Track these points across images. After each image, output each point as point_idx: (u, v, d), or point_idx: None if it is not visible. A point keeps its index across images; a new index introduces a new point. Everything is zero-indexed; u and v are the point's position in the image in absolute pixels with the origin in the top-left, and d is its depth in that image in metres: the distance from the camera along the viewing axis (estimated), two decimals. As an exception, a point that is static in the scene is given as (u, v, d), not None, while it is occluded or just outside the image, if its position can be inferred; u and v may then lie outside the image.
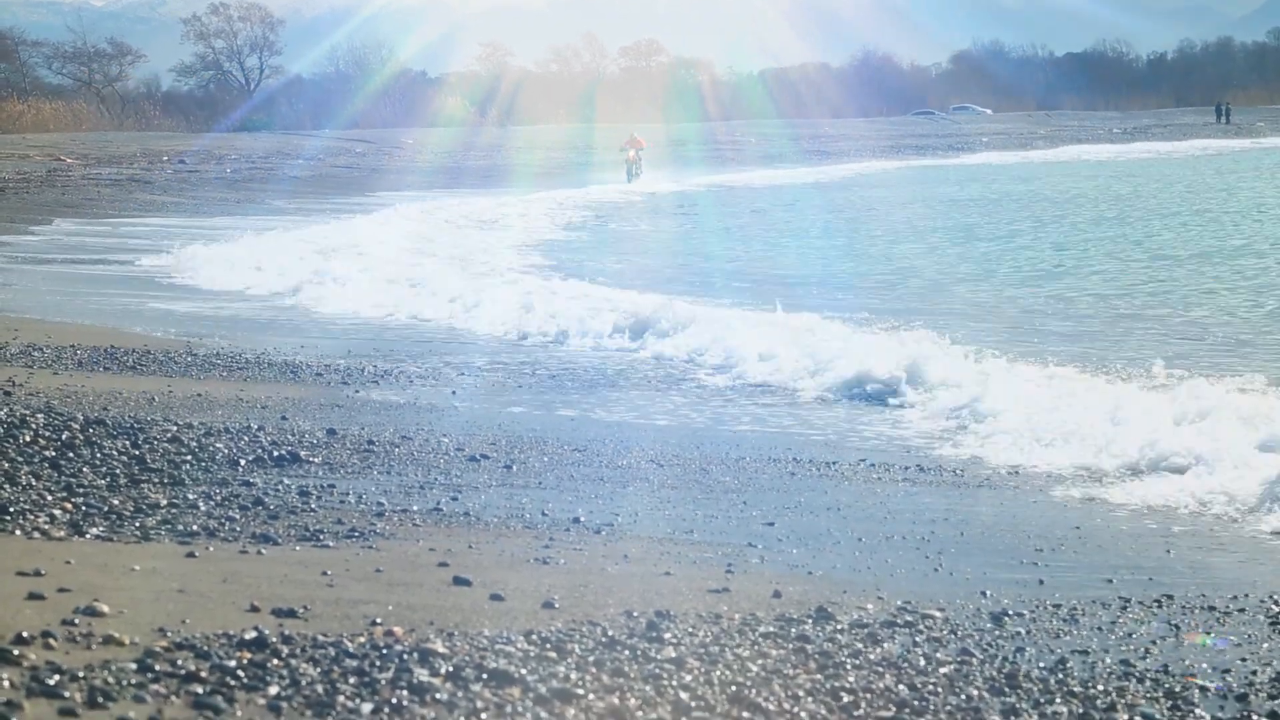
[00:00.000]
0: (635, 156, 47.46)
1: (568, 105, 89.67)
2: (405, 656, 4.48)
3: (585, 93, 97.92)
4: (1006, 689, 4.57)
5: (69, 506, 6.23)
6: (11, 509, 6.08)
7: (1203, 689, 4.62)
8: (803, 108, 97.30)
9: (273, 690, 4.16)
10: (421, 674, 4.34)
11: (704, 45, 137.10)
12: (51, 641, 4.40)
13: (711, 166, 56.14)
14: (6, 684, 4.01)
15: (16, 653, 4.23)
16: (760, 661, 4.62)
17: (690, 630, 4.91)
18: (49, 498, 6.36)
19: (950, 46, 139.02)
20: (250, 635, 4.57)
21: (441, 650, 4.55)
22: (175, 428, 7.96)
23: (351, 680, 4.28)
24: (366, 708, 4.09)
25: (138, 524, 6.07)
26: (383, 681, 4.28)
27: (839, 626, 5.10)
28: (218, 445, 7.63)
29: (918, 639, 5.02)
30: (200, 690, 4.11)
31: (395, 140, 65.80)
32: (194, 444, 7.60)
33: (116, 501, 6.39)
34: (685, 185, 46.44)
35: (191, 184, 40.41)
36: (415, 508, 6.72)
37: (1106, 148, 70.52)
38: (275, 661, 4.38)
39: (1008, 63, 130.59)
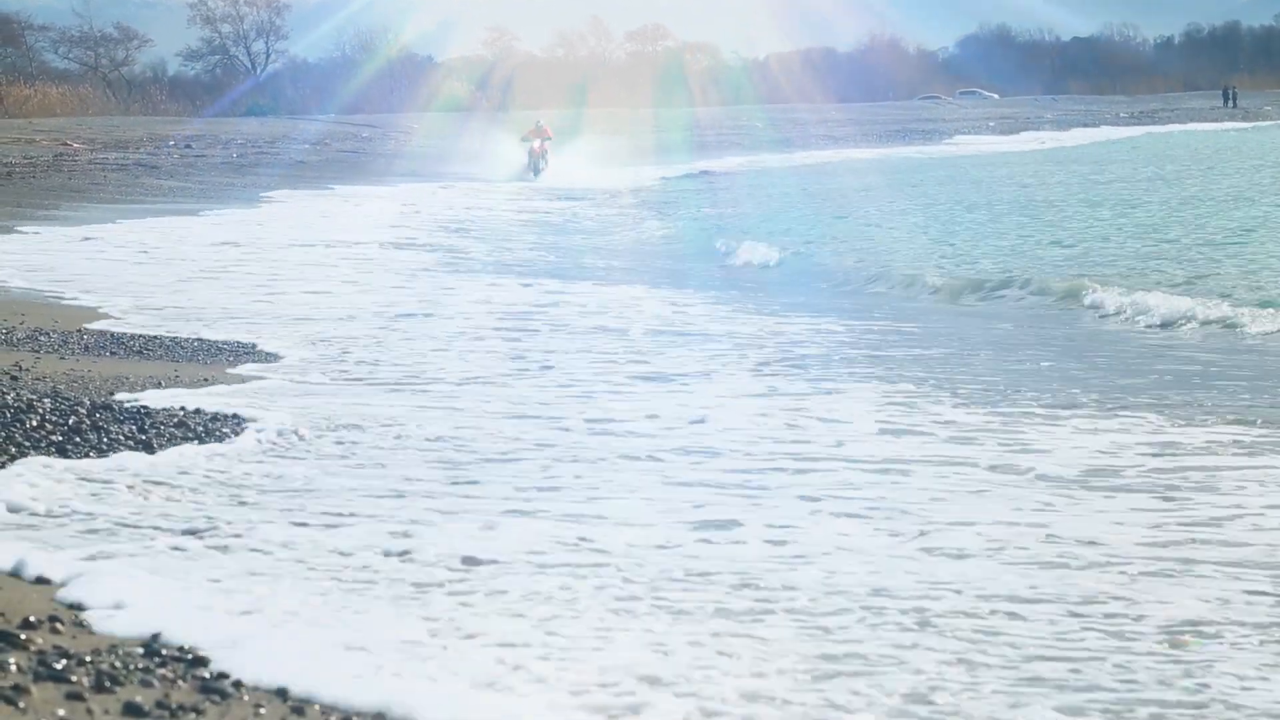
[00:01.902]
0: (541, 148, 42.41)
1: (571, 90, 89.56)
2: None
3: (588, 77, 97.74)
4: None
5: (76, 491, 6.25)
6: (18, 494, 6.10)
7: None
8: (807, 92, 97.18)
9: (279, 674, 4.18)
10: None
11: (711, 30, 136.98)
12: (58, 626, 4.42)
13: (694, 153, 53.68)
14: (14, 668, 4.03)
15: (23, 637, 4.25)
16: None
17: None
18: (56, 482, 6.37)
19: (958, 30, 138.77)
20: (256, 620, 4.60)
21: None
22: (182, 412, 7.98)
23: (357, 665, 4.31)
24: (372, 692, 4.12)
25: (144, 509, 6.09)
26: (388, 666, 4.31)
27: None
28: (224, 430, 7.65)
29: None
30: (207, 675, 4.13)
31: (399, 125, 65.73)
32: (200, 429, 7.62)
33: (123, 486, 6.40)
34: (649, 177, 43.01)
35: (198, 169, 40.39)
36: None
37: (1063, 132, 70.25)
38: (281, 646, 4.40)
39: (1014, 47, 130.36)
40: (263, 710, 3.92)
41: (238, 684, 4.06)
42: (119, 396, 8.38)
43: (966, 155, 52.64)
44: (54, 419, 7.39)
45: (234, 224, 24.76)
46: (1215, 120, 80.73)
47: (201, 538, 5.67)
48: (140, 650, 4.27)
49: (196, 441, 7.33)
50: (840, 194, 33.13)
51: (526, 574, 5.29)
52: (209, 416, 7.93)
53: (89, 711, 3.81)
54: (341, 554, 5.48)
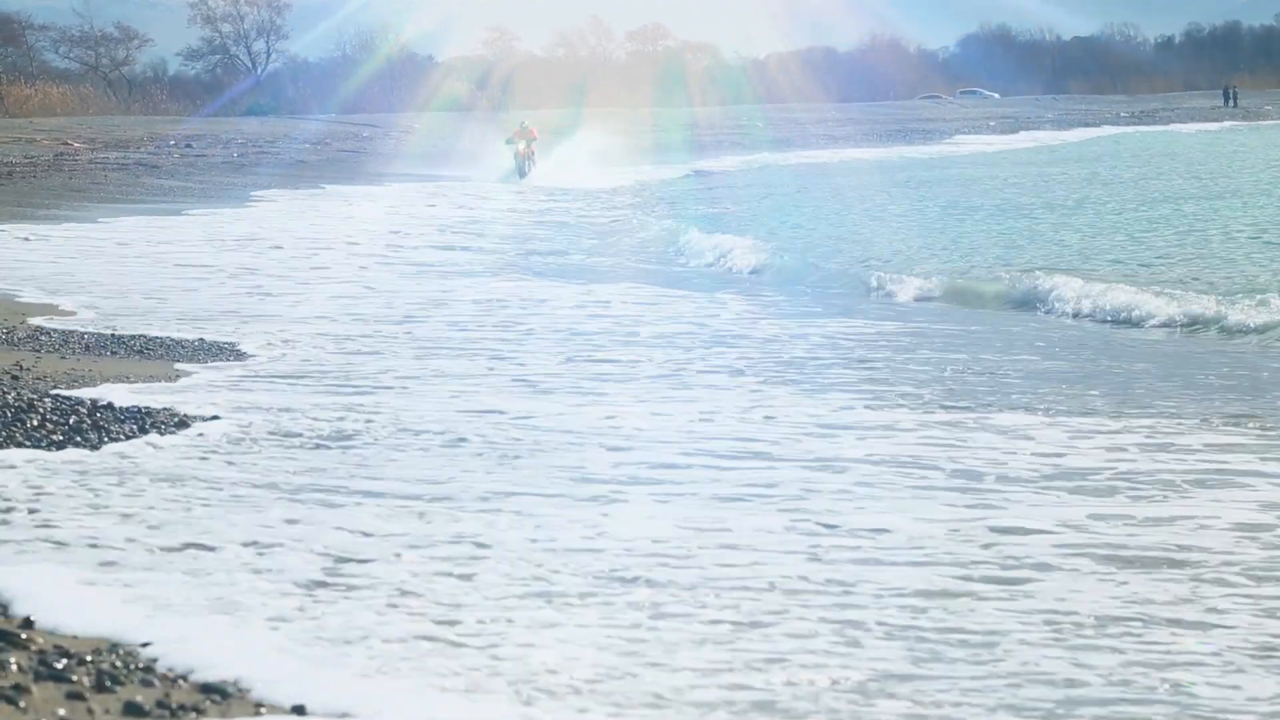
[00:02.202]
0: (526, 150, 41.75)
1: (571, 90, 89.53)
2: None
3: (587, 77, 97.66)
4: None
5: (76, 491, 6.26)
6: (19, 493, 6.12)
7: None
8: (807, 92, 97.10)
9: (279, 673, 4.20)
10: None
11: (711, 30, 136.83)
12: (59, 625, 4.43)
13: (693, 153, 52.91)
14: (14, 668, 4.04)
15: (24, 636, 4.26)
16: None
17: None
18: (56, 482, 6.39)
19: (958, 30, 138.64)
20: (256, 619, 4.62)
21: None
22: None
23: (356, 664, 4.32)
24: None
25: (144, 508, 6.10)
26: (387, 665, 4.32)
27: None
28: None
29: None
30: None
31: (399, 124, 65.68)
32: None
33: (123, 486, 6.42)
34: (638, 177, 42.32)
35: (198, 168, 40.39)
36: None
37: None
38: (281, 645, 4.41)
39: (1015, 47, 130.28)
40: (263, 711, 3.93)
41: (236, 684, 4.07)
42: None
43: (966, 155, 52.66)
44: (54, 418, 7.43)
45: (219, 223, 24.71)
46: (1216, 120, 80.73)
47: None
48: (141, 649, 4.28)
49: (135, 438, 7.33)
50: (837, 194, 33.13)
51: (400, 570, 5.28)
52: (151, 412, 7.93)
53: (90, 711, 3.82)
54: (206, 549, 5.47)
